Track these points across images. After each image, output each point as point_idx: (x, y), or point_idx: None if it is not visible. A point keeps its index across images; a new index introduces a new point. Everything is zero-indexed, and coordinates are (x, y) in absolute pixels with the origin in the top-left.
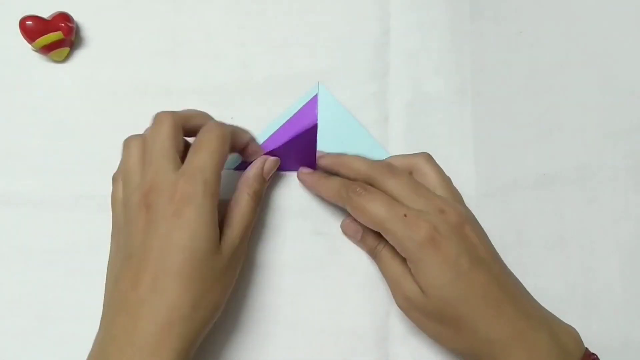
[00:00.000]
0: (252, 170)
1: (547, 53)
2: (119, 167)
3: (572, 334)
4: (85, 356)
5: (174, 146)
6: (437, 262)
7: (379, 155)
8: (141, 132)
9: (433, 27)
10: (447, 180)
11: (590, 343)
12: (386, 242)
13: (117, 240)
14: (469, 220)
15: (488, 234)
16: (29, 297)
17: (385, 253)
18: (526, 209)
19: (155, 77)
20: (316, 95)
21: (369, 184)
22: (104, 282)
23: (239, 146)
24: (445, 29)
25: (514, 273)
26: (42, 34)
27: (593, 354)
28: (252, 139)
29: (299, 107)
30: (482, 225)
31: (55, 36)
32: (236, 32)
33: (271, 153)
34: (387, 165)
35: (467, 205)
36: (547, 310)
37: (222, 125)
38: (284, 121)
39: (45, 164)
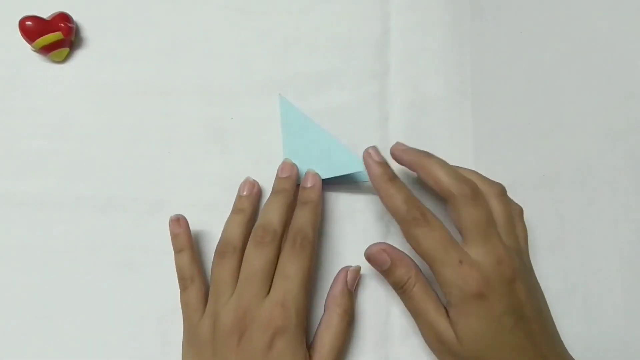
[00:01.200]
0: (337, 288)
1: (547, 53)
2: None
3: None
4: (85, 355)
5: (273, 269)
6: (480, 315)
7: (351, 163)
8: (140, 132)
9: (433, 27)
10: (512, 222)
11: (591, 344)
12: (417, 279)
13: (200, 354)
14: (521, 274)
15: None
16: (29, 297)
17: (417, 291)
18: (526, 209)
19: (155, 77)
20: None
21: (445, 197)
22: (104, 283)
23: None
24: (445, 29)
25: None
26: (42, 34)
27: None
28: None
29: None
30: None
31: (55, 36)
32: (236, 32)
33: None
34: (472, 189)
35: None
36: None
37: (310, 246)
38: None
39: (45, 164)
